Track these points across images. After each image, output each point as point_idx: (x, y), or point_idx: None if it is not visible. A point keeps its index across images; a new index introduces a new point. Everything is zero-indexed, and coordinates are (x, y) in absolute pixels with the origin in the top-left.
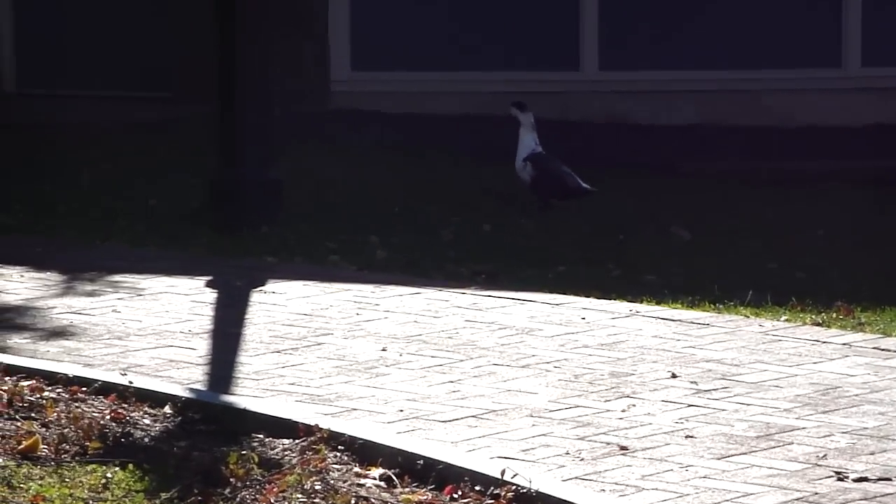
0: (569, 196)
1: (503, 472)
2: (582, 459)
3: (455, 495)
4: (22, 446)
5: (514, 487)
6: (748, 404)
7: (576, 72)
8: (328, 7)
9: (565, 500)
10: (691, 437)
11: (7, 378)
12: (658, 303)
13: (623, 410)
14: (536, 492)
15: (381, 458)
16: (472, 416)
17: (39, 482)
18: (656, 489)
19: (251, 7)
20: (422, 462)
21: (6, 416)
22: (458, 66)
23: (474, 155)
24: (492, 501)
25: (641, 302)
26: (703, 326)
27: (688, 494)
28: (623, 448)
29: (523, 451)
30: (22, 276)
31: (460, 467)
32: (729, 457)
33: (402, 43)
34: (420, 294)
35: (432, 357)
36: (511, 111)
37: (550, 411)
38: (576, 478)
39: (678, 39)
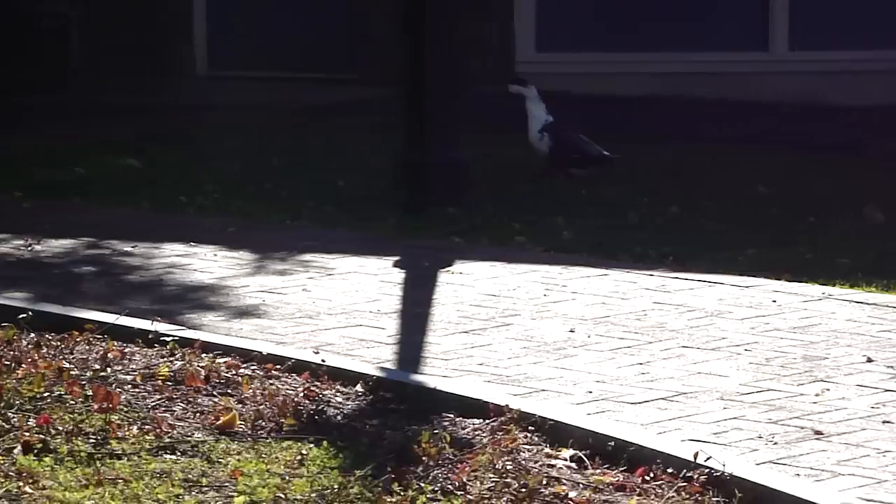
0: (589, 164)
1: (696, 455)
2: (775, 443)
3: (647, 477)
4: (220, 422)
5: (706, 470)
6: None
7: (765, 52)
8: None
9: (759, 484)
10: (888, 422)
11: (204, 355)
12: (851, 286)
13: (816, 395)
14: (730, 475)
15: (571, 440)
16: (662, 399)
17: (237, 457)
18: (853, 475)
19: None
20: (612, 444)
21: (204, 392)
22: (644, 47)
23: (660, 136)
24: (684, 484)
25: (834, 285)
26: None
27: (886, 481)
28: (818, 433)
29: (714, 434)
30: (215, 255)
31: (652, 449)
32: None
33: (588, 23)
34: (607, 275)
35: (620, 339)
36: (511, 89)
37: (741, 394)
38: (769, 462)
39: (871, 18)
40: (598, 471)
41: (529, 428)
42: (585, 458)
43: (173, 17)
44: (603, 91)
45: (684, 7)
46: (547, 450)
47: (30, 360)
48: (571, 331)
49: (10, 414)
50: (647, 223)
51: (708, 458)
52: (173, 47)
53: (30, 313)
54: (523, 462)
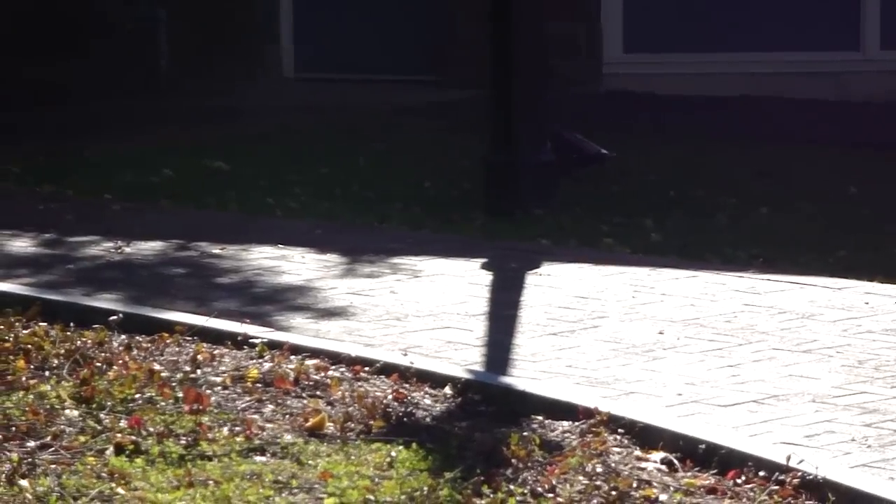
0: (588, 162)
1: (788, 458)
2: (869, 446)
3: (738, 480)
4: (309, 424)
5: (799, 473)
6: None
7: (855, 52)
8: None
9: (853, 488)
10: None
11: (293, 357)
12: None
13: None
14: (823, 478)
15: (661, 442)
16: (753, 401)
17: (327, 459)
18: None
19: None
20: (703, 446)
21: (293, 394)
22: (733, 47)
23: (749, 137)
24: (776, 487)
25: None
26: None
27: None
28: None
29: (807, 436)
30: (303, 257)
31: (743, 452)
32: None
33: (676, 24)
34: (696, 277)
35: (710, 341)
36: None
37: (834, 397)
38: (863, 465)
39: None
40: (688, 473)
41: (619, 430)
42: (676, 461)
43: (260, 20)
44: (691, 92)
45: (774, 6)
46: (637, 452)
47: (121, 361)
48: (660, 333)
49: (101, 415)
50: (736, 224)
51: (801, 462)
52: (260, 50)
53: (120, 315)
54: (613, 465)
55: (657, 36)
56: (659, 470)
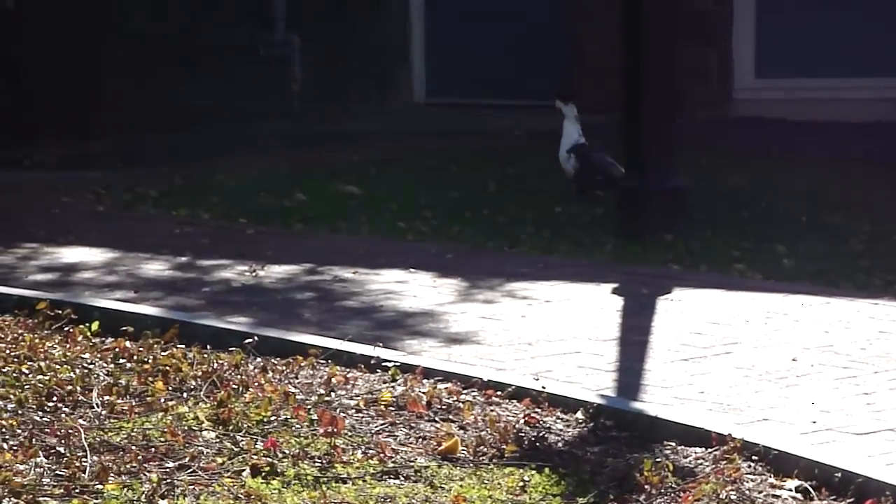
0: (612, 186)
1: None
2: None
3: None
4: (442, 447)
5: None
6: None
7: None
8: (732, 15)
9: None
10: None
11: (425, 380)
12: None
13: None
14: None
15: (796, 470)
16: (889, 430)
17: (460, 483)
18: None
19: (657, 16)
20: (839, 475)
21: (426, 418)
22: (867, 72)
23: (886, 162)
24: None
25: None
26: None
27: None
28: None
29: None
30: (434, 281)
31: (880, 482)
32: None
33: (809, 49)
34: (830, 304)
35: (844, 368)
36: (557, 104)
37: None
38: None
39: None
40: (824, 502)
41: (753, 457)
42: (811, 489)
43: (392, 46)
44: (824, 118)
45: None
46: (771, 480)
47: (256, 384)
48: (794, 360)
49: (238, 437)
50: (871, 250)
51: None
52: (392, 75)
53: (256, 338)
54: (747, 492)
55: (789, 61)
56: (794, 498)
